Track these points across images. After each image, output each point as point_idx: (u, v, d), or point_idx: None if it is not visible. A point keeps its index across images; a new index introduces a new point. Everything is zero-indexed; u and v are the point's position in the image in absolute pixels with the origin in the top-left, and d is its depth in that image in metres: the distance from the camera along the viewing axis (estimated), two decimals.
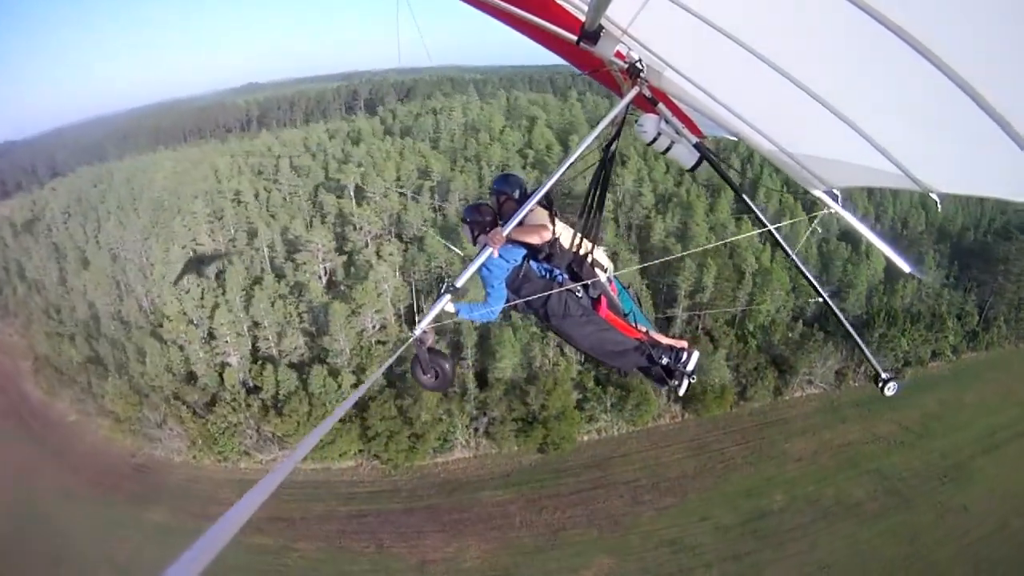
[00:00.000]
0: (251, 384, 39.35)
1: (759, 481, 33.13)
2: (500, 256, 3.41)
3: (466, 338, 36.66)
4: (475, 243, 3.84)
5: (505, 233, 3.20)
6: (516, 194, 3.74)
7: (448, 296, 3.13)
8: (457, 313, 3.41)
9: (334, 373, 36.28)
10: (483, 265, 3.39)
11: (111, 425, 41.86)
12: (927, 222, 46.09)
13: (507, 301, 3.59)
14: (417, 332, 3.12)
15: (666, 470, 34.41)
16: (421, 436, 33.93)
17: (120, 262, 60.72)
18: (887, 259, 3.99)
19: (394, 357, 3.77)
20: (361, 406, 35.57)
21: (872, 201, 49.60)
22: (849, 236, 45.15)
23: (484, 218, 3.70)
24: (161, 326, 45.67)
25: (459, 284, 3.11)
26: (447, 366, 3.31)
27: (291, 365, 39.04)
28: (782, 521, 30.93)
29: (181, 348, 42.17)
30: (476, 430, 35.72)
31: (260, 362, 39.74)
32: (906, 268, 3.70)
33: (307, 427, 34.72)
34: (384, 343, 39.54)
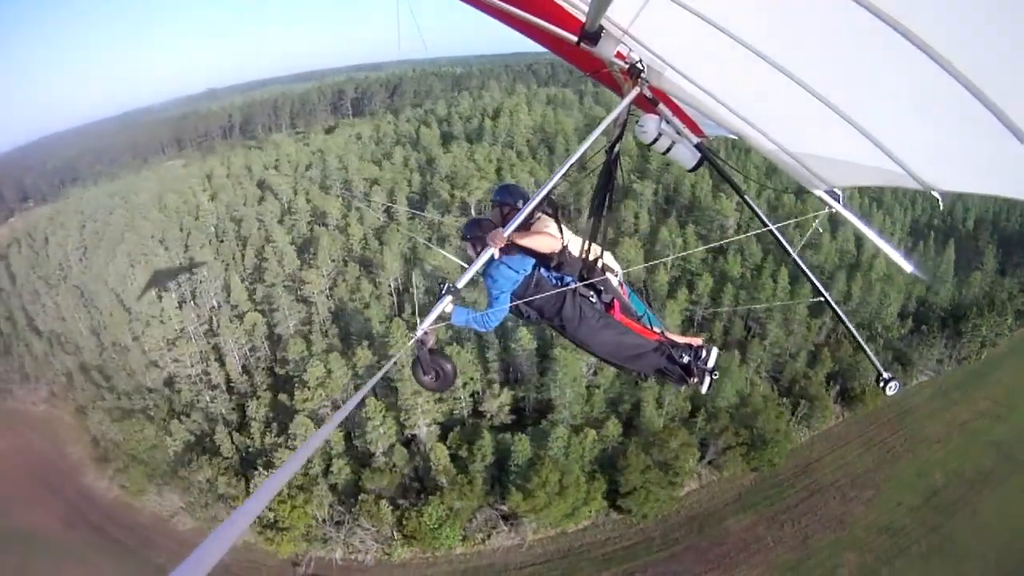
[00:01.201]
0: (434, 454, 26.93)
1: (920, 464, 33.07)
2: (508, 266, 2.99)
3: None
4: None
5: (506, 234, 2.81)
6: (519, 204, 3.19)
7: (449, 297, 2.79)
8: (452, 317, 2.92)
9: (575, 430, 27.31)
10: (489, 275, 3.01)
11: (261, 532, 27.19)
12: (975, 217, 47.54)
13: (522, 313, 3.12)
14: (418, 333, 2.76)
15: (853, 467, 32.86)
16: (673, 482, 28.12)
17: (184, 308, 40.66)
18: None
19: (396, 357, 3.81)
20: (606, 463, 28.13)
21: (921, 195, 54.79)
22: (936, 235, 45.36)
23: (485, 233, 3.09)
24: (288, 394, 31.20)
25: (460, 285, 2.77)
26: (448, 367, 2.97)
27: (498, 428, 28.74)
28: (947, 495, 31.38)
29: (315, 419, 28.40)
30: (701, 460, 30.53)
31: (459, 428, 28.62)
32: (908, 268, 3.41)
33: (560, 500, 25.53)
34: (598, 387, 29.91)
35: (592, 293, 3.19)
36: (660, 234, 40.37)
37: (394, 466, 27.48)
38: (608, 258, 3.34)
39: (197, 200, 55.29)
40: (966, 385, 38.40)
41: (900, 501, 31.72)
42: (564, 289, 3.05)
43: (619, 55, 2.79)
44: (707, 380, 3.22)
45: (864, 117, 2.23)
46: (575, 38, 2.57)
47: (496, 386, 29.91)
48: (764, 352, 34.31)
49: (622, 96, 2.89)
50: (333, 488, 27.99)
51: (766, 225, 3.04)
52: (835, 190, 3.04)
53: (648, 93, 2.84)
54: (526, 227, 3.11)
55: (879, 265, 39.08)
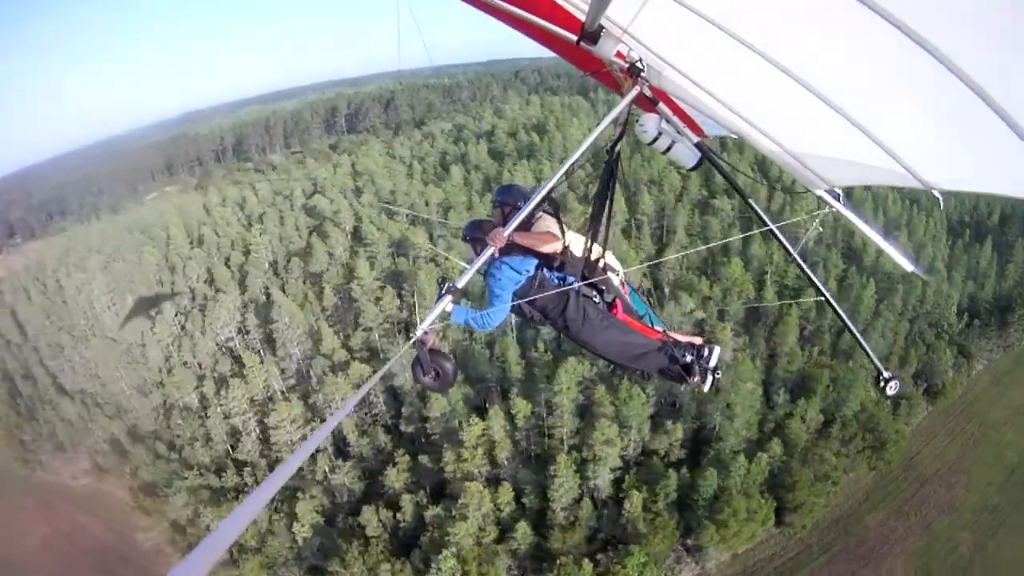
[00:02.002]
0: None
1: (995, 447, 38.72)
2: (511, 267, 3.11)
3: (817, 384, 34.16)
4: None
5: (506, 234, 2.92)
6: (520, 204, 3.19)
7: (449, 297, 2.86)
8: (452, 316, 3.01)
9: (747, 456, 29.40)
10: (491, 274, 3.11)
11: None
12: (1000, 213, 53.49)
13: (525, 314, 3.23)
14: (418, 333, 2.84)
15: (946, 455, 38.08)
16: (830, 491, 31.54)
17: (263, 359, 37.42)
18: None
19: (397, 357, 3.80)
20: (772, 483, 30.64)
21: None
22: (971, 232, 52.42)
23: (485, 233, 3.21)
24: (431, 456, 29.91)
25: (460, 285, 2.85)
26: (448, 366, 3.02)
27: (671, 464, 30.07)
28: (1022, 473, 37.24)
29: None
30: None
31: (635, 470, 29.35)
32: (908, 267, 3.57)
33: (747, 525, 27.80)
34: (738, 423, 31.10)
35: (595, 293, 3.29)
36: (752, 250, 43.48)
37: (575, 520, 28.23)
38: (610, 258, 3.42)
39: (235, 232, 51.21)
40: (1015, 370, 45.38)
41: (989, 482, 37.51)
42: (566, 288, 3.14)
43: (619, 54, 2.85)
44: (709, 379, 3.28)
45: (865, 116, 2.29)
46: (575, 38, 2.65)
47: (663, 422, 31.44)
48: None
49: (622, 96, 2.96)
50: (513, 554, 27.36)
51: (767, 225, 3.09)
52: (835, 190, 3.11)
53: (648, 92, 2.93)
54: (527, 227, 3.19)
55: (941, 269, 44.76)
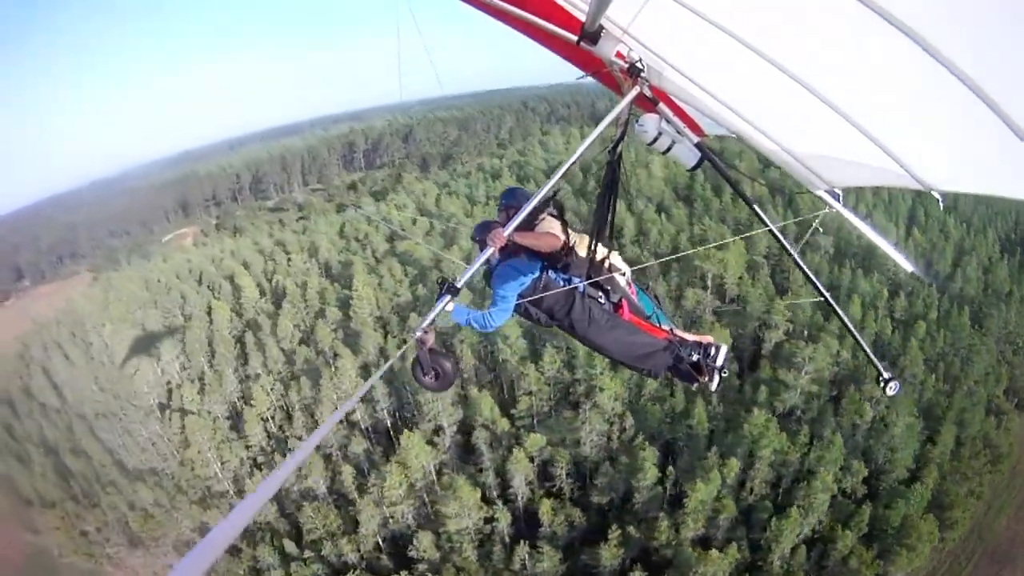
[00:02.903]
0: None
1: None
2: (516, 269, 3.56)
3: (945, 409, 43.20)
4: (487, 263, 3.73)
5: (506, 233, 3.28)
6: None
7: (449, 297, 3.25)
8: (452, 315, 3.44)
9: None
10: (496, 275, 3.60)
11: None
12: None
13: (531, 315, 3.65)
14: (418, 333, 3.25)
15: None
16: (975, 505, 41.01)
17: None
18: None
19: (397, 356, 4.91)
20: (930, 507, 38.08)
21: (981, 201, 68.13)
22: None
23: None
24: (645, 533, 33.44)
25: (459, 284, 3.22)
26: (448, 366, 3.45)
27: (859, 500, 38.22)
28: None
29: None
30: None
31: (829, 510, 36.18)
32: (908, 268, 4.05)
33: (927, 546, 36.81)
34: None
35: (600, 294, 3.75)
36: (862, 286, 51.96)
37: (789, 568, 34.39)
38: (615, 258, 3.87)
39: (316, 281, 51.82)
40: None
41: None
42: (569, 288, 3.58)
43: (619, 55, 3.19)
44: (716, 378, 3.77)
45: (865, 116, 2.56)
46: (575, 38, 2.96)
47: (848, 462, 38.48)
48: (975, 383, 48.71)
49: (622, 96, 3.34)
50: None
51: (766, 225, 3.46)
52: (835, 190, 3.50)
53: (648, 92, 3.28)
54: (531, 228, 3.66)
55: (1015, 292, 56.25)
